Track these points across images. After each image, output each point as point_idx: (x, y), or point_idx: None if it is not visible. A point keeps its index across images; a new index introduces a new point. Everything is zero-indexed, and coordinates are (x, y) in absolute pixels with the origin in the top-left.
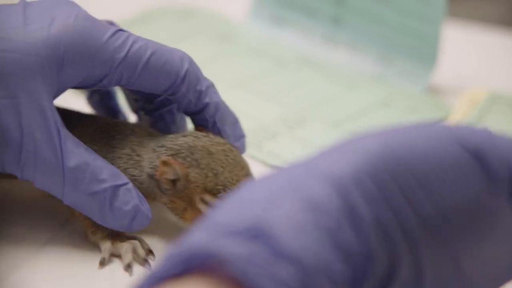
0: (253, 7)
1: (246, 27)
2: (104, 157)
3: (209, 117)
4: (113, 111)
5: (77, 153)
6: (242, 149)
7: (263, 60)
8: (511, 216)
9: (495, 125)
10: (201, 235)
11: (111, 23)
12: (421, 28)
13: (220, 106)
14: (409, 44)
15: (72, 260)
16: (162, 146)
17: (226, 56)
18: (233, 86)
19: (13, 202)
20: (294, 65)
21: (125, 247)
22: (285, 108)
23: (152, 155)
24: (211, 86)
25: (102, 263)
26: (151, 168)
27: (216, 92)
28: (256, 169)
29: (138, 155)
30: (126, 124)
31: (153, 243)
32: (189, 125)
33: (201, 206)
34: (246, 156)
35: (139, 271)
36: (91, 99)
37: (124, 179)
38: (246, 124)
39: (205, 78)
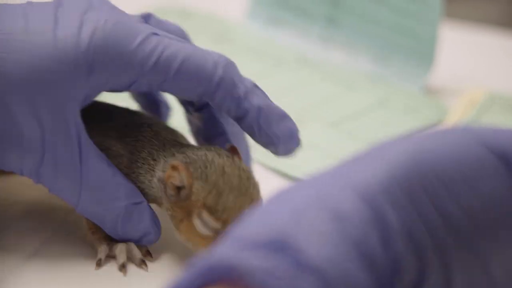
0: (250, 8)
1: (244, 28)
2: (126, 157)
3: (253, 122)
4: (156, 102)
5: (97, 170)
6: (295, 143)
7: (261, 61)
8: None
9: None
10: (224, 247)
11: (147, 17)
12: (418, 28)
13: (263, 109)
14: (406, 44)
15: (68, 261)
16: (182, 153)
17: None
18: None
19: (10, 202)
20: (291, 65)
21: (119, 248)
22: (283, 108)
23: (169, 160)
24: (250, 89)
25: (99, 264)
26: (163, 171)
27: (258, 94)
28: (253, 169)
29: (154, 159)
30: (156, 123)
31: (155, 245)
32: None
33: (196, 221)
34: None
35: (135, 271)
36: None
37: (139, 197)
38: None
39: (244, 80)
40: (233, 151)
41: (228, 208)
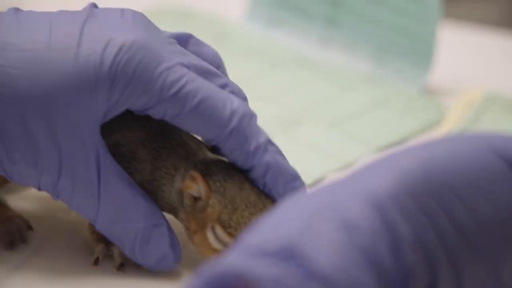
0: (249, 8)
1: (243, 28)
2: (150, 163)
3: (259, 179)
4: None
5: (116, 189)
6: None
7: (260, 61)
8: None
9: (491, 126)
10: (233, 255)
11: (187, 37)
12: (417, 29)
13: (272, 167)
14: (405, 45)
15: (67, 260)
16: (203, 164)
17: (222, 57)
18: None
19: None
20: (291, 65)
21: (116, 248)
22: (281, 109)
23: (191, 169)
24: (263, 144)
25: (96, 263)
26: (182, 181)
27: (269, 151)
28: None
29: (176, 169)
30: (185, 132)
31: None
32: None
33: (209, 234)
34: None
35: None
36: None
37: (159, 219)
38: None
39: (259, 134)
40: None
41: (242, 224)
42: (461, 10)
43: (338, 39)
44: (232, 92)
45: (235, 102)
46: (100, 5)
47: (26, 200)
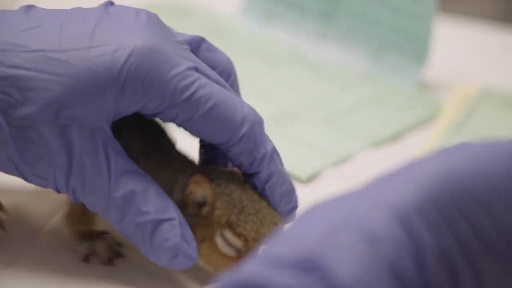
0: (244, 3)
1: (238, 24)
2: (149, 174)
3: (259, 183)
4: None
5: (126, 182)
6: (290, 219)
7: (255, 57)
8: None
9: (487, 121)
10: (252, 265)
11: (200, 40)
12: (413, 25)
13: (274, 176)
14: (400, 41)
15: (57, 258)
16: (201, 173)
17: None
18: None
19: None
20: (286, 62)
21: (99, 244)
22: (277, 105)
23: (188, 179)
24: (270, 153)
25: (86, 260)
26: (182, 192)
27: (274, 160)
28: None
29: (174, 181)
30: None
31: None
32: None
33: (218, 241)
34: None
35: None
36: None
37: (171, 213)
38: None
39: (266, 142)
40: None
41: (249, 222)
42: (457, 5)
43: (334, 35)
44: None
45: (246, 107)
46: (96, 3)
47: (13, 198)
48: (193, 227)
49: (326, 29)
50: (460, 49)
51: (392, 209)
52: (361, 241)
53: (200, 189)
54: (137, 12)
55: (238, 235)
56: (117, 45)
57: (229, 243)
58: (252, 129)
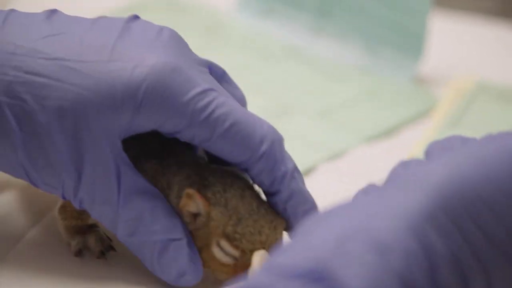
0: None
1: (234, 19)
2: (150, 180)
3: (280, 203)
4: None
5: (135, 200)
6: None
7: (250, 52)
8: None
9: (483, 115)
10: (261, 275)
11: (222, 73)
12: (408, 19)
13: (295, 195)
14: (395, 35)
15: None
16: (198, 175)
17: (213, 47)
18: None
19: None
20: (280, 56)
21: (90, 239)
22: (272, 99)
23: (185, 182)
24: (290, 171)
25: (79, 254)
26: (177, 198)
27: (295, 179)
28: None
29: (169, 187)
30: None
31: None
32: None
33: (215, 250)
34: None
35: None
36: None
37: (179, 234)
38: None
39: (286, 160)
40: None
41: (248, 234)
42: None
43: (330, 30)
44: None
45: (265, 126)
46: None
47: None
48: (190, 233)
49: (322, 24)
50: (456, 43)
51: (403, 218)
52: (372, 252)
53: (192, 203)
54: (160, 29)
55: (236, 246)
56: (137, 61)
57: (226, 253)
58: (272, 147)
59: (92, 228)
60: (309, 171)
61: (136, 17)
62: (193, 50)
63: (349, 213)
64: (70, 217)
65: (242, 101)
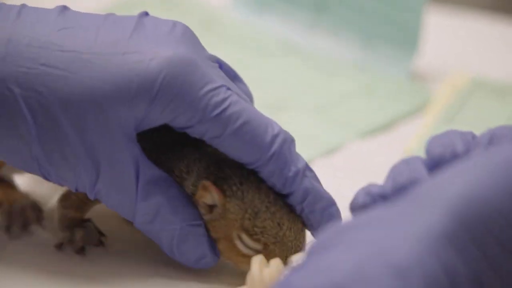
0: None
1: (229, 14)
2: (165, 165)
3: (296, 203)
4: None
5: (153, 192)
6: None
7: (246, 47)
8: None
9: (478, 111)
10: None
11: (233, 74)
12: (403, 14)
13: (310, 193)
14: (391, 31)
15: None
16: (217, 166)
17: (208, 43)
18: None
19: None
20: (276, 52)
21: (77, 233)
22: (268, 95)
23: (203, 173)
24: (302, 170)
25: (59, 247)
26: (193, 186)
27: (307, 176)
28: None
29: (188, 172)
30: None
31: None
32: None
33: (238, 243)
34: None
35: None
36: None
37: (197, 220)
38: None
39: (297, 159)
40: None
41: (268, 226)
42: None
43: (325, 25)
44: None
45: (276, 126)
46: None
47: None
48: (208, 224)
49: (317, 19)
50: (452, 38)
51: (422, 240)
52: (392, 276)
53: (208, 195)
54: (173, 24)
55: (257, 240)
56: (153, 54)
57: (248, 246)
58: (283, 148)
59: (84, 222)
60: None
61: (146, 14)
62: None
63: (367, 233)
64: (71, 206)
65: (250, 99)
